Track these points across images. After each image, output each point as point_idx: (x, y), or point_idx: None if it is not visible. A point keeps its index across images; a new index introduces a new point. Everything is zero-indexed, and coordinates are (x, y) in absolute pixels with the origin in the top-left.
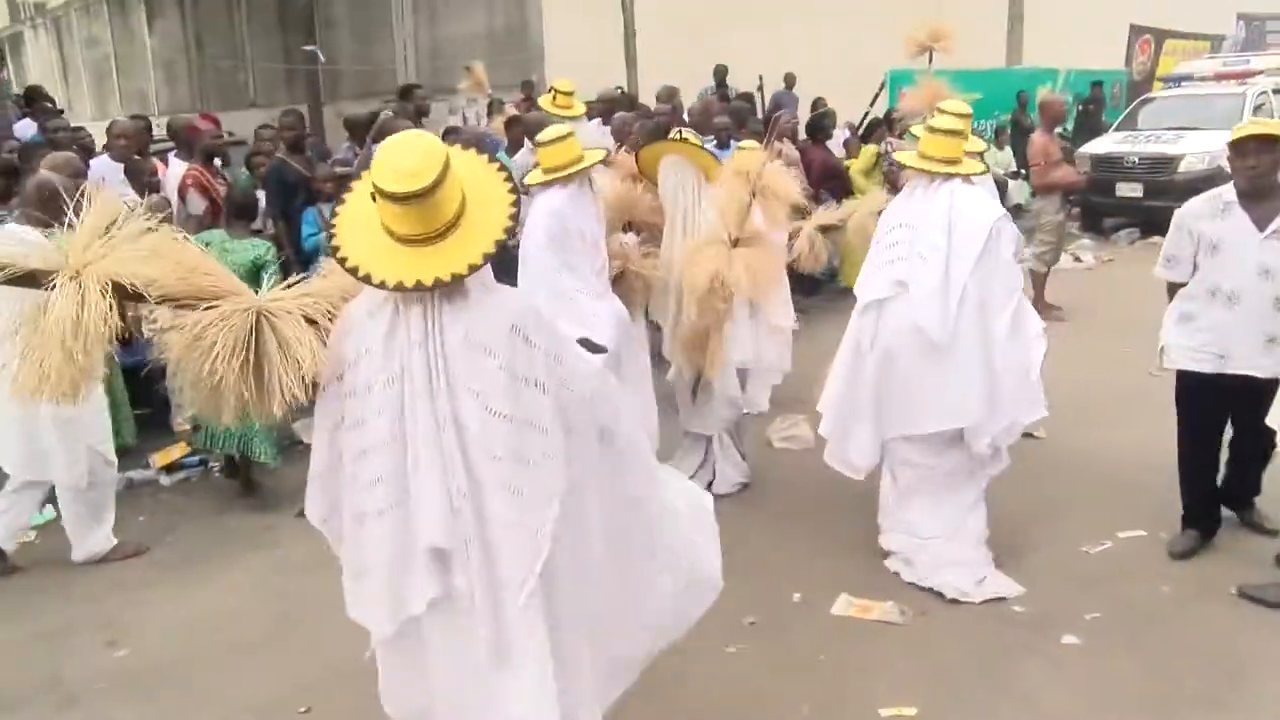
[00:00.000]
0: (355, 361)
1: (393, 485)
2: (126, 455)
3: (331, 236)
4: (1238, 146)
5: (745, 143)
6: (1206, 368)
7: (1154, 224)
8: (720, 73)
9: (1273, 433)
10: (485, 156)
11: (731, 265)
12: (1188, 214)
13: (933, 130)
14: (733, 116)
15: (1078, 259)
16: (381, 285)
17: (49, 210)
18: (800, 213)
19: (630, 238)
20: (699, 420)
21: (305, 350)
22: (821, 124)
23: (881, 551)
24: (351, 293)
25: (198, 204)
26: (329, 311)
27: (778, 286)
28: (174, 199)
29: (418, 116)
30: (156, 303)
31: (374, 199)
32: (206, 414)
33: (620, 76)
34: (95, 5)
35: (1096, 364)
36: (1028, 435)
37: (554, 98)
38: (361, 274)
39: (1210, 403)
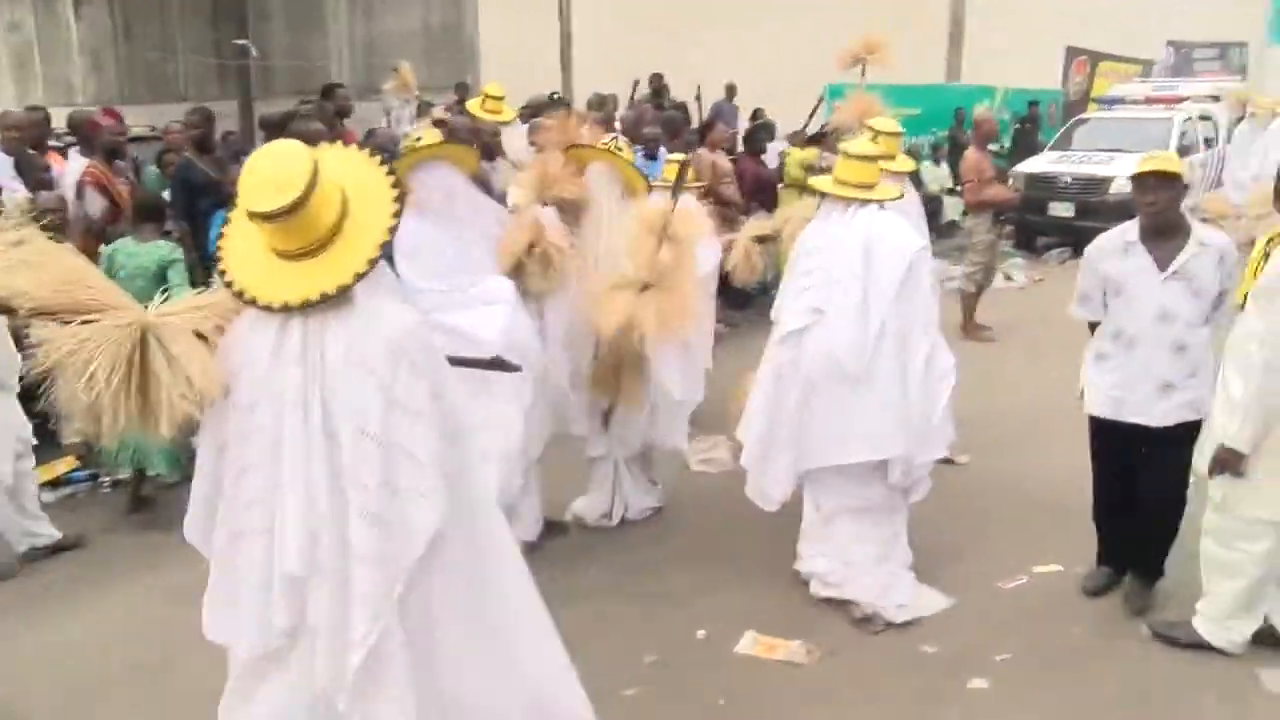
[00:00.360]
0: (238, 376)
1: (268, 506)
2: None
3: (218, 256)
4: (1138, 181)
5: (674, 155)
6: (1105, 412)
7: (1085, 244)
8: (655, 80)
9: (1180, 501)
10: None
11: (642, 308)
12: (1093, 252)
13: (848, 155)
14: (665, 127)
15: (1009, 278)
16: (267, 308)
17: None
18: (732, 224)
19: (550, 212)
20: (606, 445)
21: (195, 367)
22: (756, 136)
23: (796, 579)
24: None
25: (95, 203)
26: (220, 325)
27: (695, 322)
28: (70, 197)
29: (339, 116)
30: (28, 315)
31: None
32: (87, 431)
33: (555, 80)
34: None
35: (1025, 386)
36: (948, 461)
37: (483, 102)
38: (247, 297)
39: (1116, 446)
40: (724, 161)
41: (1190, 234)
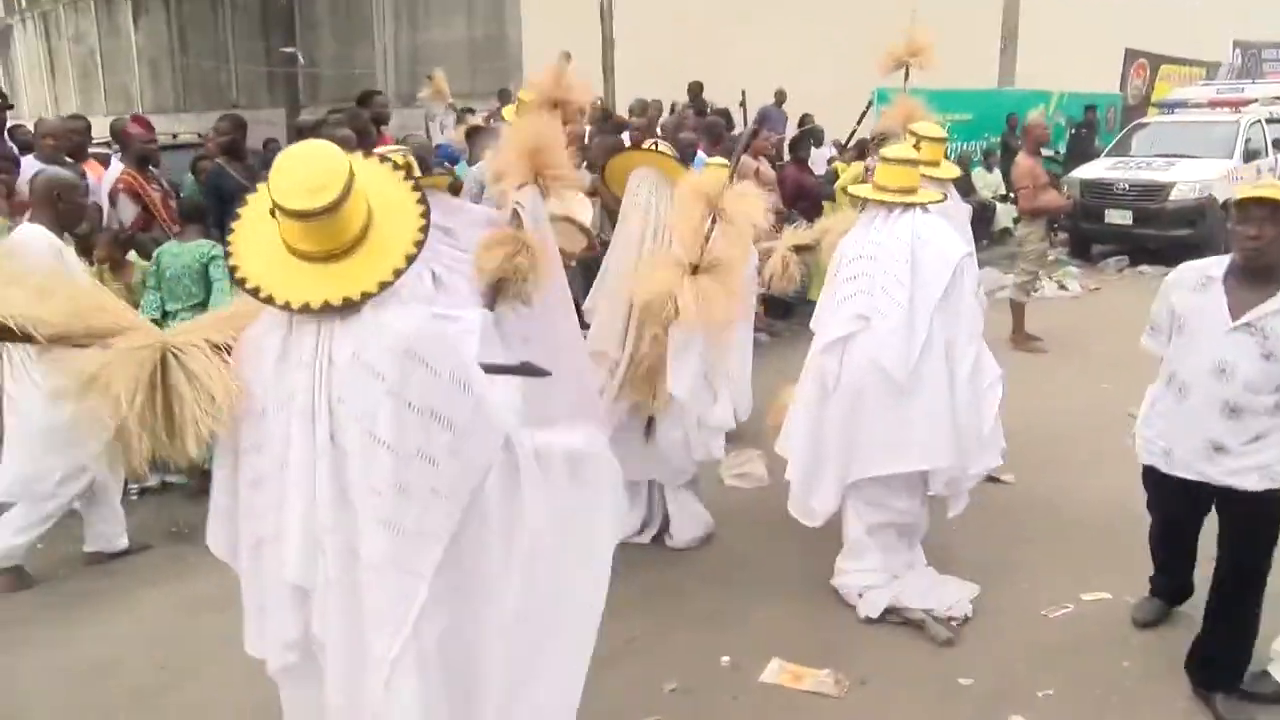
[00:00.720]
0: (251, 385)
1: (281, 514)
2: None
3: (229, 254)
4: (1242, 210)
5: (714, 160)
6: (1157, 462)
7: (1143, 252)
8: (695, 89)
9: (1257, 578)
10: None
11: (684, 290)
12: (1172, 280)
13: (886, 160)
14: (705, 132)
15: (1063, 287)
16: (285, 306)
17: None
18: (770, 233)
19: (531, 194)
20: (645, 467)
21: (217, 383)
22: (801, 143)
23: (828, 600)
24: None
25: (128, 209)
26: (235, 336)
27: (731, 326)
28: (104, 203)
29: (376, 123)
30: (48, 343)
31: (273, 214)
32: (113, 457)
33: (597, 86)
34: (82, 0)
35: (1075, 401)
36: (993, 479)
37: (518, 108)
38: (262, 294)
39: (1173, 500)
40: (766, 169)
41: None
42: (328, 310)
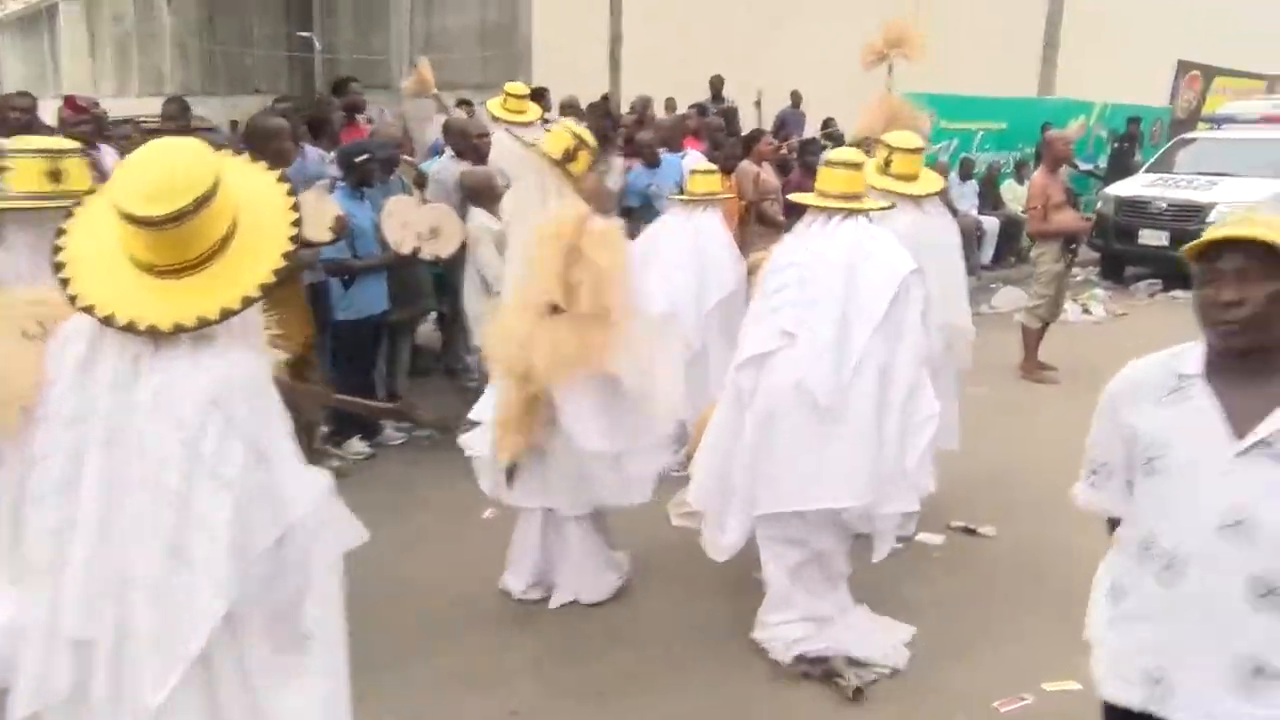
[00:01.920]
0: (50, 385)
1: (58, 545)
2: None
3: (57, 251)
4: (1208, 261)
5: (700, 166)
6: (1130, 698)
7: (1178, 277)
8: (716, 84)
9: None
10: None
11: (535, 339)
12: (1118, 390)
13: (830, 164)
14: (708, 135)
15: (1086, 310)
16: (107, 321)
17: None
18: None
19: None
20: (542, 494)
21: (18, 370)
22: (809, 148)
23: (757, 660)
24: None
25: None
26: (48, 325)
27: (610, 361)
28: None
29: (350, 112)
30: None
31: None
32: None
33: (603, 80)
34: None
35: (1077, 441)
36: (969, 532)
37: (504, 101)
38: (99, 314)
39: None
40: (770, 176)
41: None
42: (156, 334)
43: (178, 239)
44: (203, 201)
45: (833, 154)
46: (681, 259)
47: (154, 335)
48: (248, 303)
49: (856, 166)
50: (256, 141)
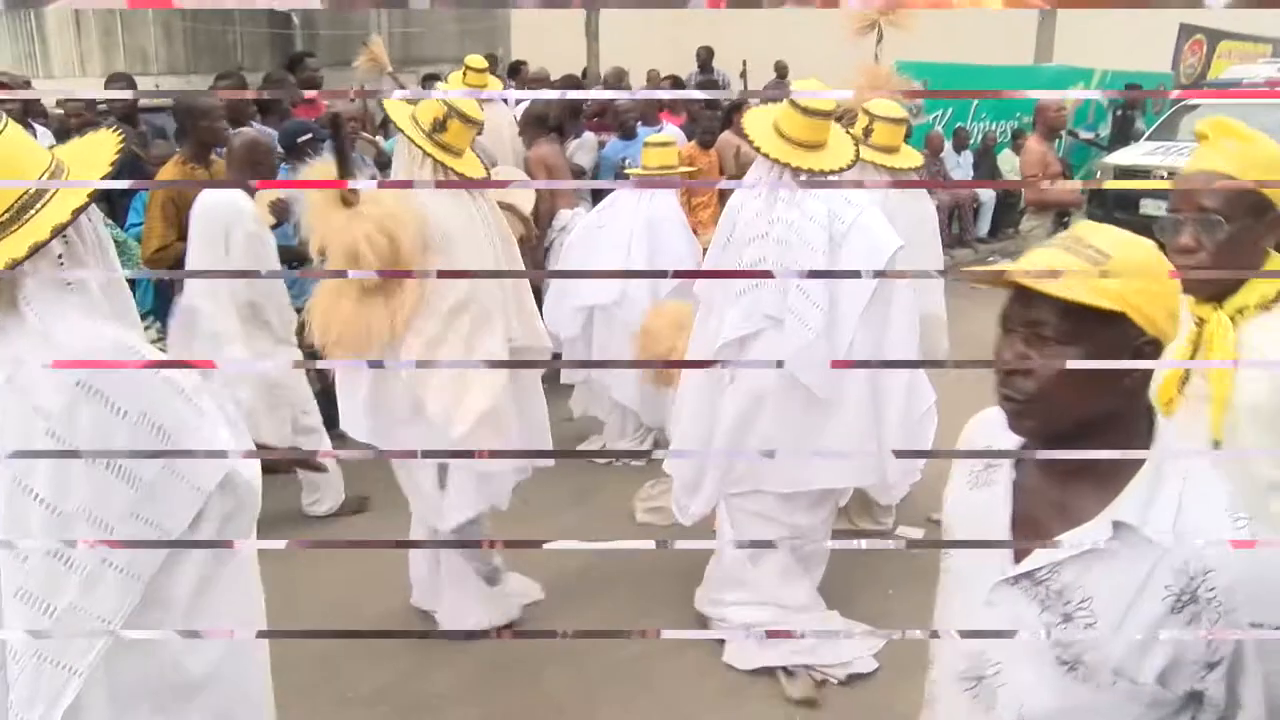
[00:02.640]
0: None
1: None
2: None
3: None
4: (1007, 312)
5: (655, 136)
6: None
7: None
8: (703, 54)
9: None
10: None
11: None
12: (970, 434)
13: (793, 105)
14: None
15: None
16: None
17: None
18: None
19: None
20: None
21: None
22: None
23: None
24: None
25: None
26: None
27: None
28: None
29: (308, 89)
30: None
31: None
32: None
33: (582, 51)
34: None
35: None
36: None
37: (464, 75)
38: None
39: None
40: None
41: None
42: None
43: None
44: None
45: (802, 99)
46: (627, 240)
47: None
48: (35, 248)
49: (825, 115)
50: (187, 121)
